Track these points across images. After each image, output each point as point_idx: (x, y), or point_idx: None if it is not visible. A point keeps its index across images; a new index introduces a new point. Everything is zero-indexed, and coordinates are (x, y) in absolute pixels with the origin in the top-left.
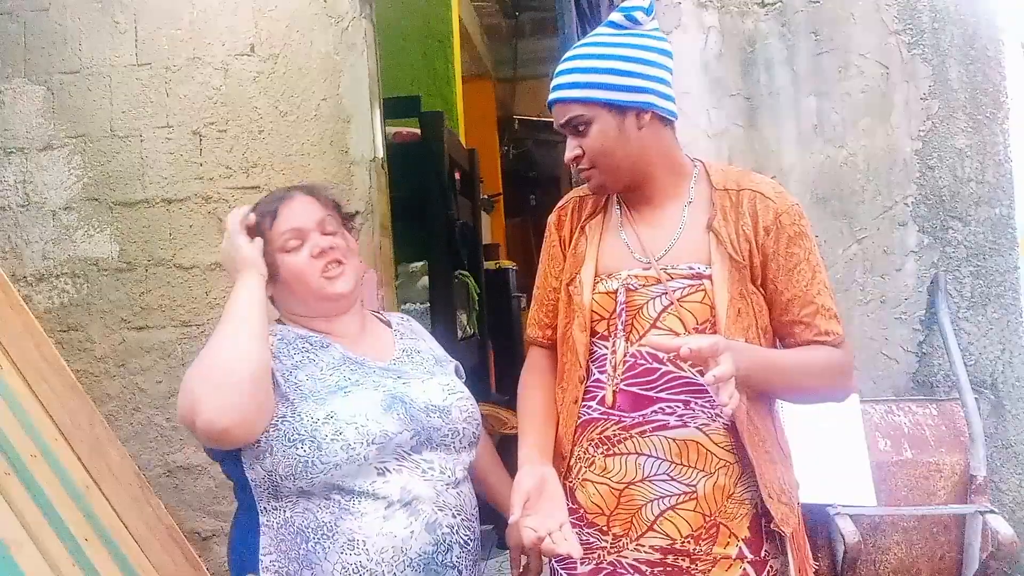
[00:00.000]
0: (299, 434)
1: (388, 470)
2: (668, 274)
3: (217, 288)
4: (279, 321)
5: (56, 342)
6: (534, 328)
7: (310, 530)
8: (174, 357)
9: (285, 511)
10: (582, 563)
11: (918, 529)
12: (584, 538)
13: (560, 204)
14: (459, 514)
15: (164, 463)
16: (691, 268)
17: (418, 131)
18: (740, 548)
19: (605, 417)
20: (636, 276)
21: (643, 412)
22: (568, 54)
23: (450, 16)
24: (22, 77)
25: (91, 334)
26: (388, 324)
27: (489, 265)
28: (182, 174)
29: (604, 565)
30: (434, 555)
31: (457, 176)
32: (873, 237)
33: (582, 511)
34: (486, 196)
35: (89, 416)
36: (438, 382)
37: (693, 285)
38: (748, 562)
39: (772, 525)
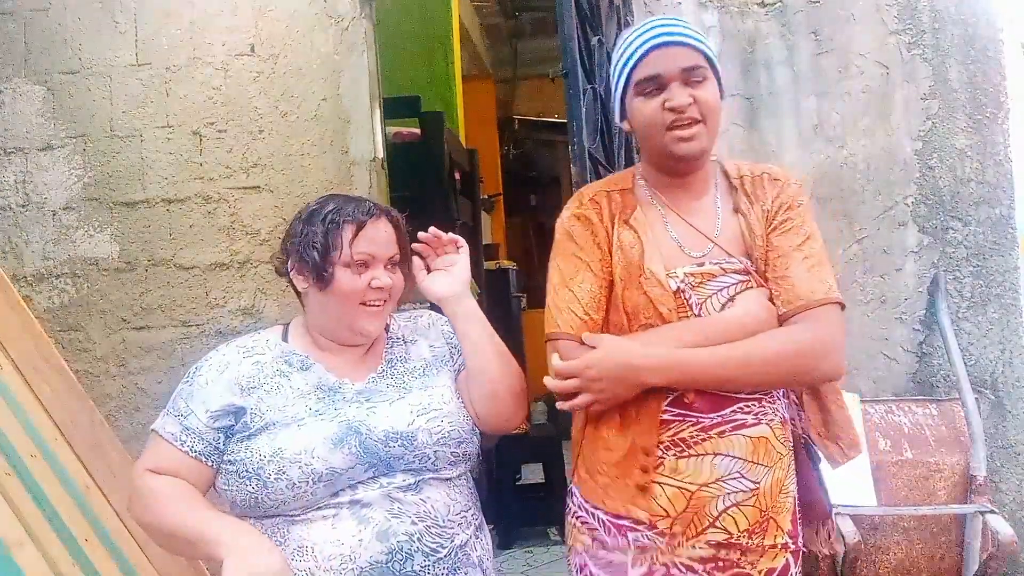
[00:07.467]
0: (247, 471)
1: (341, 491)
2: (723, 269)
3: (217, 288)
4: (285, 332)
5: (56, 342)
6: (572, 320)
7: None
8: (174, 357)
9: (250, 519)
10: (633, 566)
11: (918, 529)
12: (640, 541)
13: (590, 198)
14: (422, 520)
15: None
16: (741, 262)
17: (418, 131)
18: (785, 540)
19: (680, 419)
20: (691, 274)
21: (722, 412)
22: (657, 20)
23: (450, 16)
24: (22, 77)
25: (91, 334)
26: (387, 328)
27: (489, 265)
28: (182, 174)
29: (657, 567)
30: (388, 564)
31: (457, 176)
32: (873, 237)
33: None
34: (486, 196)
35: (89, 416)
36: (409, 402)
37: (744, 281)
38: (791, 551)
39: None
